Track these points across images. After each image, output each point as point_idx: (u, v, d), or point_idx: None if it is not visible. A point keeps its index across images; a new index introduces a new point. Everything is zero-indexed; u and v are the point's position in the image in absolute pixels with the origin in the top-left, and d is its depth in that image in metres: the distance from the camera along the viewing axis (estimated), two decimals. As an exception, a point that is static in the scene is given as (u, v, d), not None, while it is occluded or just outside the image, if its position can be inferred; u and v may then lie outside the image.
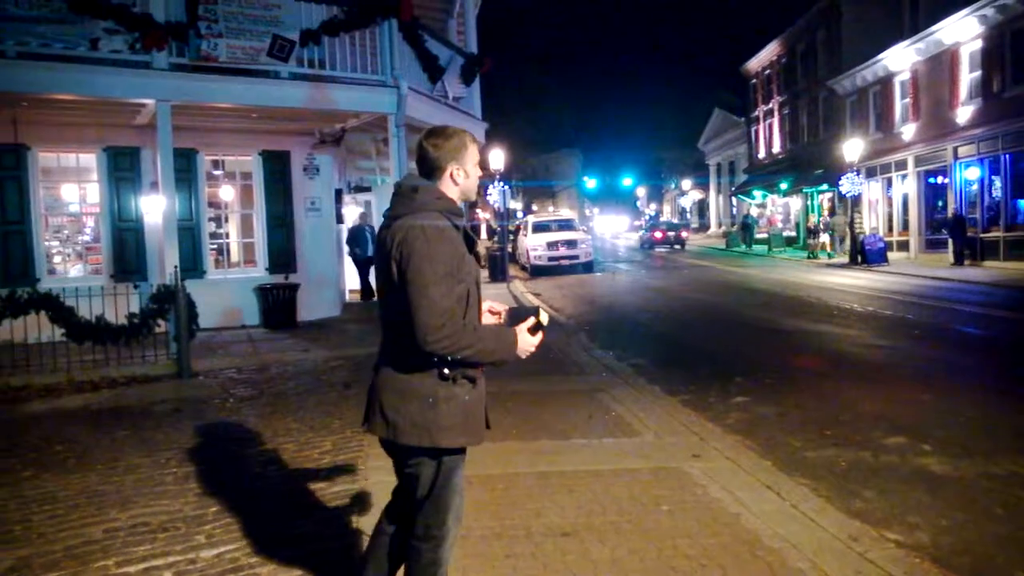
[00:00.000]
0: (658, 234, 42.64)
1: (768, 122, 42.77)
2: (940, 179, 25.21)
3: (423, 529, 2.63)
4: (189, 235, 12.11)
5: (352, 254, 15.89)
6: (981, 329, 11.52)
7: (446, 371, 2.51)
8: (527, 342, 2.62)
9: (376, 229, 13.87)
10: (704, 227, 59.08)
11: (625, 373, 8.47)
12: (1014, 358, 9.44)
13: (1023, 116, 20.40)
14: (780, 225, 39.18)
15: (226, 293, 12.49)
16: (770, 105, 42.20)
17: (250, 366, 9.39)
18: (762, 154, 43.85)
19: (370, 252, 14.89)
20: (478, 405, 2.64)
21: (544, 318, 2.67)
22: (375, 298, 13.88)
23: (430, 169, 2.63)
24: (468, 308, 2.54)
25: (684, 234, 43.39)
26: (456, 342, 2.42)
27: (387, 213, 2.61)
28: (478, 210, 47.92)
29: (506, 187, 23.82)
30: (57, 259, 12.37)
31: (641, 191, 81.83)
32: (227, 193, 13.47)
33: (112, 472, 5.30)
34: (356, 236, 15.70)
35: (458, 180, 2.64)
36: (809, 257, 29.19)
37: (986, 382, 7.93)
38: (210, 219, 13.06)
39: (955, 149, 23.68)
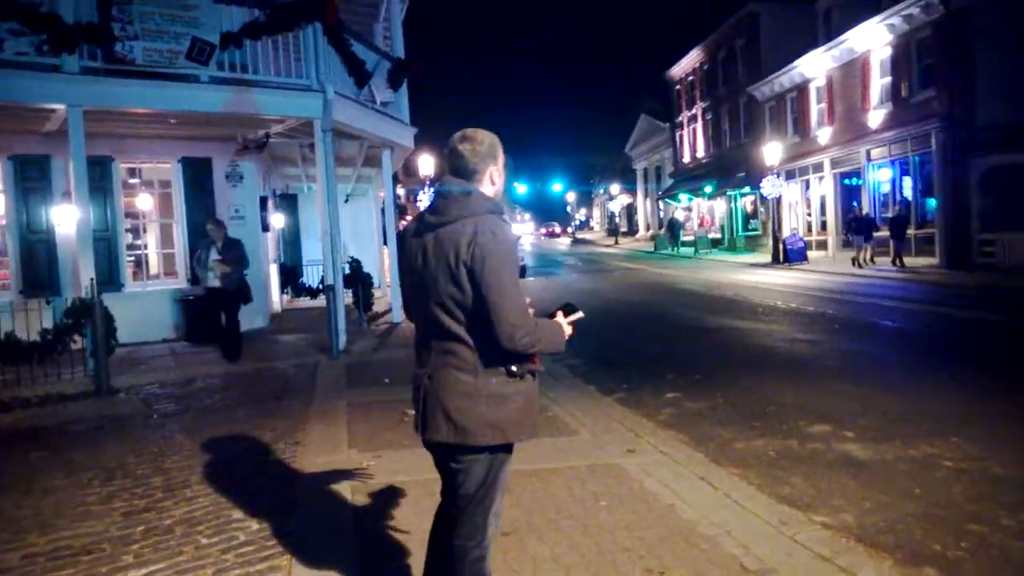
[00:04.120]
0: (544, 231, 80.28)
1: (692, 127, 43.75)
2: (855, 180, 26.18)
3: (470, 526, 2.66)
4: (105, 246, 11.65)
5: (196, 277, 10.95)
6: (895, 322, 11.97)
7: (514, 368, 2.56)
8: (567, 331, 2.75)
9: (226, 241, 10.16)
10: (633, 231, 59.99)
11: (560, 374, 8.50)
12: (926, 347, 9.85)
13: (929, 120, 21.38)
14: (707, 227, 40.05)
15: (146, 306, 12.08)
16: (693, 111, 43.17)
17: (174, 381, 9.08)
18: (687, 158, 44.81)
19: (211, 281, 10.14)
20: (536, 398, 2.72)
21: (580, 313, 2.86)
22: (229, 352, 10.04)
23: (469, 172, 2.63)
24: None
25: (558, 230, 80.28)
26: (534, 337, 2.50)
27: (430, 219, 2.60)
28: (408, 216, 47.65)
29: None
30: (-40, 275, 11.76)
31: (571, 196, 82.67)
32: (145, 202, 13.05)
33: (28, 496, 5.03)
34: (199, 252, 10.45)
35: (496, 181, 2.68)
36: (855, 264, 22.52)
37: (902, 371, 8.25)
38: (127, 230, 12.61)
39: (868, 152, 24.65)
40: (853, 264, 22.40)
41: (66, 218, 10.81)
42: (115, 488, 5.12)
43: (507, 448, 2.68)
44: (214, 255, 10.14)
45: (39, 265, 11.56)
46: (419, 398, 2.65)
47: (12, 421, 7.37)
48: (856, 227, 22.86)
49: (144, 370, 9.74)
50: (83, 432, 6.83)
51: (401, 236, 2.80)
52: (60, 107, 9.44)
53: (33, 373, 8.59)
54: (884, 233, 22.25)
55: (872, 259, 22.50)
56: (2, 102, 9.30)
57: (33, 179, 11.52)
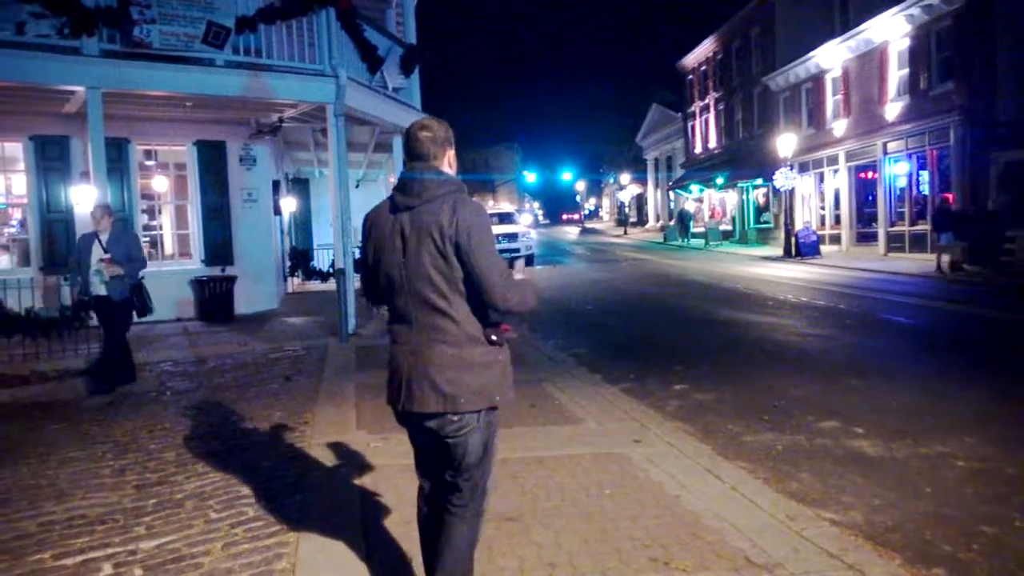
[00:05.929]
0: (565, 216, 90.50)
1: (704, 117, 43.49)
2: (870, 174, 26.00)
3: (470, 490, 2.79)
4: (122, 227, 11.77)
5: (81, 284, 7.69)
6: (908, 318, 11.94)
7: (494, 337, 2.72)
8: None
9: (114, 232, 7.56)
10: (643, 221, 59.81)
11: (567, 363, 8.56)
12: (939, 344, 9.82)
13: (948, 113, 21.17)
14: (718, 219, 39.92)
15: (161, 286, 12.08)
16: (706, 101, 42.90)
17: (187, 359, 9.20)
18: (698, 149, 44.58)
19: (97, 288, 7.45)
20: (510, 363, 2.85)
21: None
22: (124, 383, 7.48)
23: (430, 157, 2.76)
24: None
25: (575, 216, 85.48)
26: (520, 296, 2.69)
27: (404, 199, 2.71)
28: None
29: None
30: (-19, 251, 11.91)
31: (580, 185, 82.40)
32: (160, 184, 13.16)
33: (45, 466, 5.15)
34: (85, 251, 7.54)
35: (452, 164, 2.83)
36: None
37: (914, 368, 8.22)
38: (143, 211, 12.75)
39: (884, 145, 24.45)
40: (950, 271, 17.45)
41: (84, 198, 10.91)
42: (128, 461, 5.23)
43: (494, 410, 2.79)
44: (98, 252, 7.44)
45: (58, 243, 11.70)
46: (401, 374, 2.73)
47: (31, 394, 7.51)
48: (942, 223, 18.15)
49: (158, 348, 9.86)
50: (99, 406, 6.95)
51: (370, 219, 2.85)
52: (80, 89, 9.55)
53: (51, 348, 8.73)
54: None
55: (960, 263, 17.32)
56: (24, 83, 9.44)
57: (53, 159, 11.68)
